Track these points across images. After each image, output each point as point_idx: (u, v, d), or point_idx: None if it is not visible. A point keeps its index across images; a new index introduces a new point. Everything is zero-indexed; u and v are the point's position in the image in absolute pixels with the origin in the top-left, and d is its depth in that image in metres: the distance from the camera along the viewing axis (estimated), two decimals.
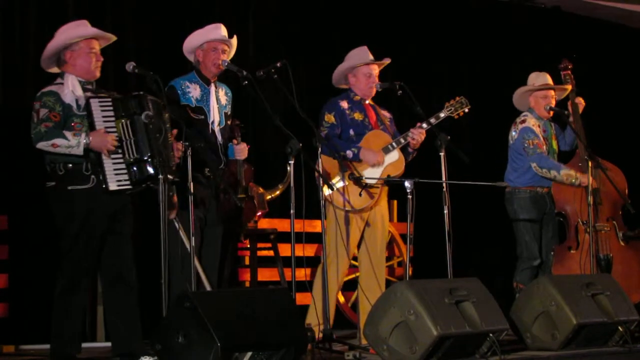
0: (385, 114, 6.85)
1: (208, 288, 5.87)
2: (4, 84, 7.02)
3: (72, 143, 5.41)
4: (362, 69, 6.70)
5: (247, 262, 7.57)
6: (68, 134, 5.43)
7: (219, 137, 6.20)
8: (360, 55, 6.73)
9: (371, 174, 6.53)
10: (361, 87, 6.71)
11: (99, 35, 5.74)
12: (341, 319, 7.67)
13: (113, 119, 5.53)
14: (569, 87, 7.55)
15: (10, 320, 6.84)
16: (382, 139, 6.66)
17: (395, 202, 8.43)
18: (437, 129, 6.48)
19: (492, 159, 8.05)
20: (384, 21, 9.06)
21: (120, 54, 7.14)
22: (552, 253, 7.22)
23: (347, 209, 6.50)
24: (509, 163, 7.39)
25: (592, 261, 7.00)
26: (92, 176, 5.51)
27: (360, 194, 6.51)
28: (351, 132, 6.62)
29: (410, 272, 6.86)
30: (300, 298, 6.48)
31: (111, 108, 5.55)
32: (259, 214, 6.98)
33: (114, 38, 5.83)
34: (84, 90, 5.59)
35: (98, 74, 5.68)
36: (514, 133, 7.32)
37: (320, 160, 6.16)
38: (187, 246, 5.78)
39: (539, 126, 7.32)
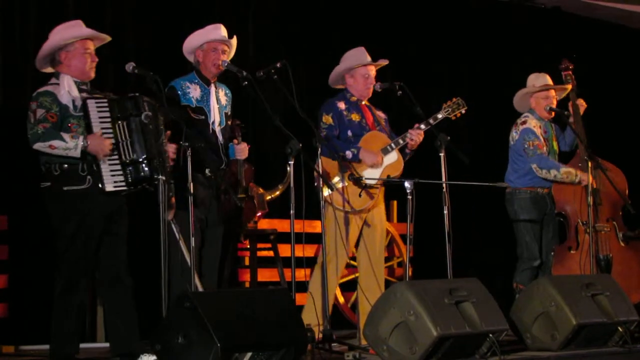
0: (381, 114, 6.86)
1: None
2: (4, 84, 7.02)
3: (70, 145, 5.41)
4: (359, 70, 6.70)
5: (247, 262, 7.57)
6: (66, 136, 5.43)
7: (220, 138, 6.20)
8: (358, 56, 6.73)
9: (370, 175, 6.53)
10: (359, 88, 6.71)
11: (94, 36, 5.75)
12: (341, 319, 7.67)
13: (109, 120, 5.54)
14: (569, 86, 7.55)
15: (10, 320, 6.83)
16: (380, 140, 6.66)
17: (395, 202, 8.43)
18: (437, 130, 6.48)
19: (492, 159, 8.05)
20: (384, 21, 9.06)
21: (120, 54, 7.16)
22: (552, 253, 7.22)
23: (346, 210, 6.50)
24: (509, 164, 7.38)
25: (592, 261, 7.00)
26: (88, 177, 5.51)
27: (360, 195, 6.51)
28: (349, 133, 6.63)
29: (410, 273, 6.87)
30: (300, 298, 6.48)
31: (107, 109, 5.56)
32: (259, 214, 6.98)
33: (108, 38, 5.83)
34: (79, 90, 5.59)
35: (93, 75, 5.69)
36: (514, 134, 7.32)
37: (320, 160, 6.15)
38: (183, 249, 5.78)
39: (539, 127, 7.32)
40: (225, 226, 6.24)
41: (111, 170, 5.50)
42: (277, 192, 7.24)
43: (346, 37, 8.02)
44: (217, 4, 8.10)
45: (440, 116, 6.70)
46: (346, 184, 6.51)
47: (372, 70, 6.73)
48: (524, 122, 7.31)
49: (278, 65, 6.01)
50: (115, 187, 5.50)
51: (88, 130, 5.49)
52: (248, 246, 7.36)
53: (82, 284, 5.57)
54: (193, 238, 5.59)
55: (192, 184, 5.60)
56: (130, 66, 5.68)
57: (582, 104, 7.55)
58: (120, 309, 5.66)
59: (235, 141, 6.29)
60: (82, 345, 5.76)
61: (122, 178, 5.51)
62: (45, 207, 5.57)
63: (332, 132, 6.56)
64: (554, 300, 5.94)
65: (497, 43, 9.68)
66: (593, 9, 10.17)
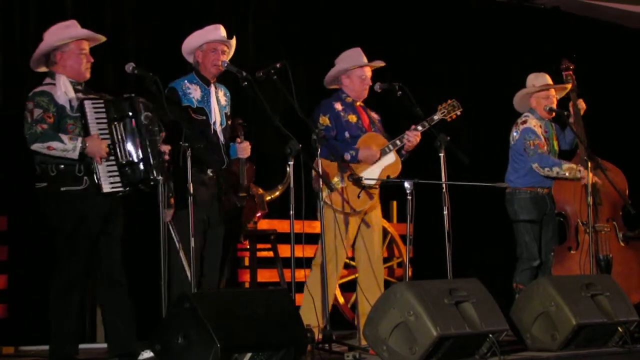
0: (375, 115, 6.87)
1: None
2: (4, 84, 7.02)
3: (68, 147, 5.42)
4: (356, 71, 6.70)
5: (246, 263, 7.56)
6: (64, 137, 5.43)
7: (221, 138, 6.20)
8: (355, 57, 6.73)
9: (369, 175, 6.53)
10: (355, 88, 6.71)
11: (90, 37, 5.75)
12: (341, 320, 7.67)
13: (105, 120, 5.55)
14: (569, 85, 7.55)
15: (9, 321, 6.83)
16: (377, 141, 6.67)
17: (394, 202, 8.43)
18: (437, 130, 6.48)
19: (492, 159, 8.05)
20: (384, 21, 9.05)
21: (120, 54, 7.16)
22: (552, 254, 7.22)
23: (346, 211, 6.50)
24: (509, 164, 7.38)
25: (592, 262, 7.00)
26: (85, 177, 5.52)
27: (358, 196, 6.51)
28: (346, 134, 6.63)
29: (410, 273, 6.87)
30: (300, 299, 6.48)
31: (103, 110, 5.57)
32: (259, 214, 6.98)
33: (103, 39, 5.84)
34: (75, 91, 5.60)
35: (88, 75, 5.70)
36: (515, 134, 7.32)
37: (319, 160, 6.15)
38: (181, 253, 5.78)
39: (540, 126, 7.32)
40: (226, 226, 6.24)
41: (108, 172, 5.51)
42: (277, 193, 7.24)
43: (346, 37, 8.01)
44: (217, 4, 8.10)
45: (436, 118, 6.71)
46: (345, 184, 6.51)
47: (368, 71, 6.74)
48: (525, 122, 7.30)
49: (278, 65, 6.00)
50: (112, 188, 5.51)
51: (85, 131, 5.50)
52: (248, 246, 7.36)
53: (80, 284, 5.58)
54: (193, 239, 5.59)
55: (192, 185, 5.61)
56: (129, 67, 5.68)
57: (582, 105, 7.54)
58: (120, 309, 5.67)
59: (239, 140, 6.29)
60: (82, 346, 5.77)
61: (118, 179, 5.52)
62: (41, 208, 5.57)
63: (330, 133, 6.56)
64: (554, 300, 5.94)
65: (497, 43, 9.67)
66: (592, 9, 10.17)
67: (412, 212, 6.11)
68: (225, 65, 6.10)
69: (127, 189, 5.54)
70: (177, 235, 5.82)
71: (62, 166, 5.49)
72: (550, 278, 6.40)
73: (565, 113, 7.42)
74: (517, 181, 7.28)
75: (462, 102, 6.91)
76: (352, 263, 7.00)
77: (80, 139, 5.45)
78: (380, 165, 6.62)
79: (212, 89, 6.23)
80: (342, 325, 7.56)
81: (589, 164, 7.03)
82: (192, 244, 5.59)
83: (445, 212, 6.25)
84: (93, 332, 7.07)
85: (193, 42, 6.22)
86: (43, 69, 5.73)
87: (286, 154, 5.83)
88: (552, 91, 7.40)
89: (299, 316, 5.32)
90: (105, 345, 5.83)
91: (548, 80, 7.43)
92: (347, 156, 6.52)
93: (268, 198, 7.08)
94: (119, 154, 5.52)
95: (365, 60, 6.73)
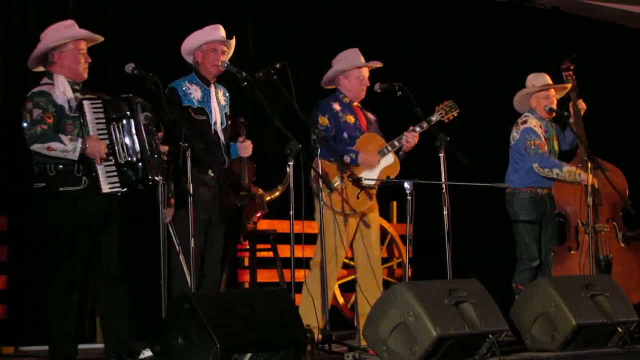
0: (371, 116, 6.87)
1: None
2: (4, 84, 7.02)
3: (68, 148, 5.42)
4: (354, 72, 6.70)
5: (246, 263, 7.56)
6: (65, 138, 5.44)
7: (222, 138, 6.20)
8: (352, 57, 6.73)
9: (368, 176, 6.54)
10: (353, 89, 6.71)
11: (88, 37, 5.75)
12: (340, 320, 7.67)
13: (104, 120, 5.55)
14: (569, 85, 7.55)
15: (9, 321, 6.83)
16: (376, 141, 6.68)
17: (394, 203, 8.43)
18: (437, 130, 6.48)
19: (491, 159, 8.04)
20: (384, 21, 9.05)
21: (120, 54, 7.15)
22: (551, 254, 7.22)
23: (346, 211, 6.50)
24: (510, 164, 7.38)
25: (591, 262, 7.00)
26: (84, 177, 5.53)
27: (357, 197, 6.51)
28: (345, 135, 6.63)
29: (409, 273, 6.87)
30: (300, 299, 6.47)
31: (102, 110, 5.57)
32: (259, 215, 6.98)
33: (101, 39, 5.84)
34: (72, 91, 5.60)
35: (86, 76, 5.70)
36: (515, 134, 7.32)
37: (319, 160, 6.15)
38: (181, 257, 5.79)
39: (540, 126, 7.32)
40: (226, 226, 6.25)
41: (107, 172, 5.52)
42: (277, 193, 7.23)
43: (346, 37, 8.01)
44: (217, 4, 8.10)
45: (434, 119, 6.71)
46: (345, 185, 6.51)
47: (366, 72, 6.74)
48: (525, 122, 7.30)
49: (278, 66, 6.00)
50: (111, 188, 5.52)
51: (84, 131, 5.50)
52: (247, 247, 7.36)
53: (79, 284, 5.58)
54: (193, 239, 5.59)
55: (192, 185, 5.61)
56: (129, 67, 5.68)
57: (582, 106, 7.54)
58: (120, 308, 5.67)
59: (241, 138, 6.31)
60: (81, 346, 5.77)
61: (117, 179, 5.52)
62: (41, 208, 5.57)
63: (329, 134, 6.56)
64: (554, 300, 5.94)
65: (497, 43, 9.67)
66: (592, 9, 10.17)
67: (412, 213, 6.11)
68: (225, 65, 6.10)
69: (126, 189, 5.54)
70: (177, 237, 5.82)
71: (61, 166, 5.50)
72: (550, 278, 6.40)
73: (565, 113, 7.42)
74: (518, 181, 7.28)
75: (462, 102, 6.91)
76: (351, 263, 7.00)
77: (80, 140, 5.46)
78: (379, 167, 6.62)
79: (212, 89, 6.23)
80: (342, 326, 7.56)
81: (589, 164, 7.03)
82: (192, 244, 5.58)
83: (445, 213, 6.25)
84: (93, 332, 7.07)
85: (192, 42, 6.22)
86: (40, 69, 5.74)
87: (286, 155, 5.83)
88: (552, 91, 7.40)
89: (298, 316, 5.32)
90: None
91: (548, 80, 7.43)
92: (347, 158, 6.52)
93: (268, 198, 7.08)
94: (117, 154, 5.52)
95: (363, 60, 6.73)
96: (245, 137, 6.32)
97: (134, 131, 5.55)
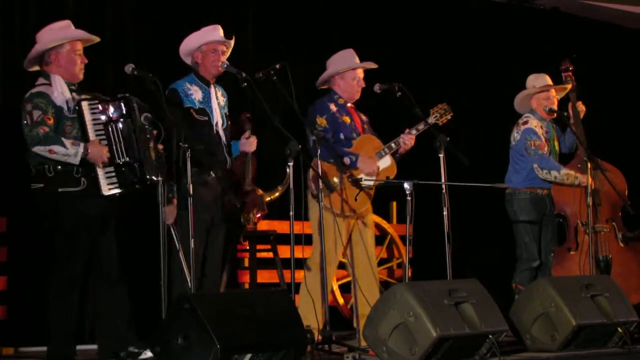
0: (363, 117, 6.87)
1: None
2: (4, 84, 7.02)
3: (70, 152, 5.43)
4: (349, 73, 6.71)
5: (246, 263, 7.55)
6: (67, 142, 5.44)
7: (223, 138, 6.20)
8: (348, 58, 6.73)
9: (367, 177, 6.55)
10: (349, 90, 6.71)
11: (85, 38, 5.75)
12: (340, 320, 7.66)
13: (102, 121, 5.55)
14: (569, 86, 7.55)
15: (9, 322, 6.82)
16: (373, 143, 6.68)
17: (394, 203, 8.43)
18: (437, 131, 6.48)
19: (491, 160, 8.04)
20: (384, 22, 9.05)
21: (120, 54, 7.14)
22: (551, 254, 7.22)
23: (346, 213, 6.50)
24: (510, 164, 7.38)
25: (591, 262, 7.00)
26: (83, 179, 5.53)
27: (356, 199, 6.51)
28: (341, 135, 6.63)
29: (409, 274, 6.87)
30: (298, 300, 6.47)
31: (99, 110, 5.58)
32: (259, 215, 6.98)
33: (97, 39, 5.84)
34: (69, 91, 5.60)
35: (81, 77, 5.72)
36: (516, 134, 7.32)
37: (318, 161, 6.14)
38: (182, 258, 5.78)
39: (541, 127, 7.32)
40: (227, 226, 6.25)
41: (106, 173, 5.52)
42: (277, 194, 7.23)
43: (346, 37, 8.00)
44: (217, 4, 8.09)
45: (430, 121, 6.71)
46: (344, 185, 6.51)
47: (361, 73, 6.74)
48: (526, 122, 7.31)
49: (277, 66, 6.00)
50: (110, 189, 5.52)
51: (83, 133, 5.50)
52: (247, 247, 7.35)
53: (78, 285, 5.58)
54: (193, 240, 5.59)
55: (192, 186, 5.61)
56: (129, 67, 5.68)
57: (582, 108, 7.54)
58: (120, 309, 5.67)
59: (246, 134, 6.30)
60: (80, 346, 5.77)
61: (115, 180, 5.52)
62: (40, 209, 5.57)
63: (327, 134, 6.56)
64: (554, 301, 5.95)
65: (497, 43, 9.67)
66: (591, 9, 10.16)
67: (412, 213, 6.11)
68: (225, 66, 6.10)
69: (124, 189, 5.54)
70: (179, 239, 5.82)
71: (60, 167, 5.50)
72: (550, 279, 6.41)
73: (565, 114, 7.42)
74: (518, 182, 7.28)
75: (462, 103, 6.93)
76: (345, 261, 7.00)
77: (82, 144, 5.46)
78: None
79: (212, 89, 6.23)
80: (342, 326, 7.56)
81: (589, 165, 7.03)
82: (192, 245, 5.58)
83: (444, 213, 6.25)
84: (92, 333, 7.06)
85: (191, 43, 6.22)
86: (36, 68, 5.73)
87: (286, 155, 5.83)
88: (553, 92, 7.40)
89: (298, 317, 5.32)
90: None
91: (548, 81, 7.43)
92: (347, 160, 6.52)
93: (268, 199, 7.08)
94: (115, 154, 5.53)
95: (358, 61, 6.73)
96: (250, 133, 6.32)
97: (131, 131, 5.55)
